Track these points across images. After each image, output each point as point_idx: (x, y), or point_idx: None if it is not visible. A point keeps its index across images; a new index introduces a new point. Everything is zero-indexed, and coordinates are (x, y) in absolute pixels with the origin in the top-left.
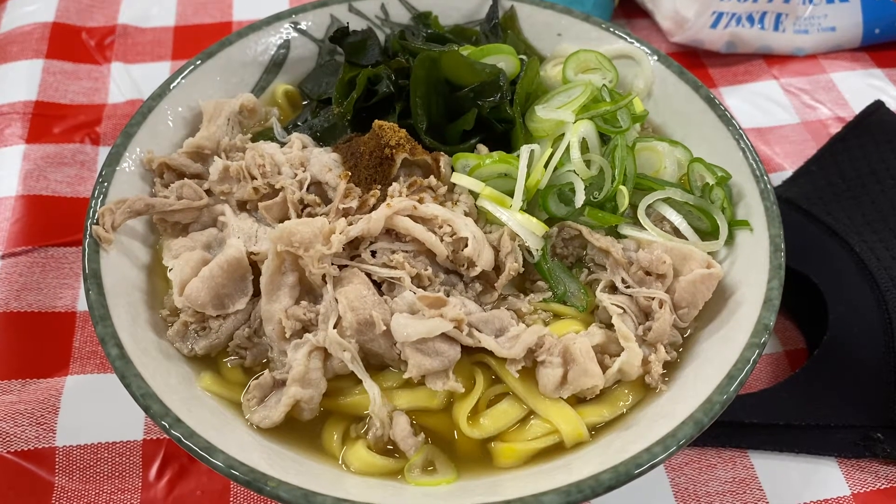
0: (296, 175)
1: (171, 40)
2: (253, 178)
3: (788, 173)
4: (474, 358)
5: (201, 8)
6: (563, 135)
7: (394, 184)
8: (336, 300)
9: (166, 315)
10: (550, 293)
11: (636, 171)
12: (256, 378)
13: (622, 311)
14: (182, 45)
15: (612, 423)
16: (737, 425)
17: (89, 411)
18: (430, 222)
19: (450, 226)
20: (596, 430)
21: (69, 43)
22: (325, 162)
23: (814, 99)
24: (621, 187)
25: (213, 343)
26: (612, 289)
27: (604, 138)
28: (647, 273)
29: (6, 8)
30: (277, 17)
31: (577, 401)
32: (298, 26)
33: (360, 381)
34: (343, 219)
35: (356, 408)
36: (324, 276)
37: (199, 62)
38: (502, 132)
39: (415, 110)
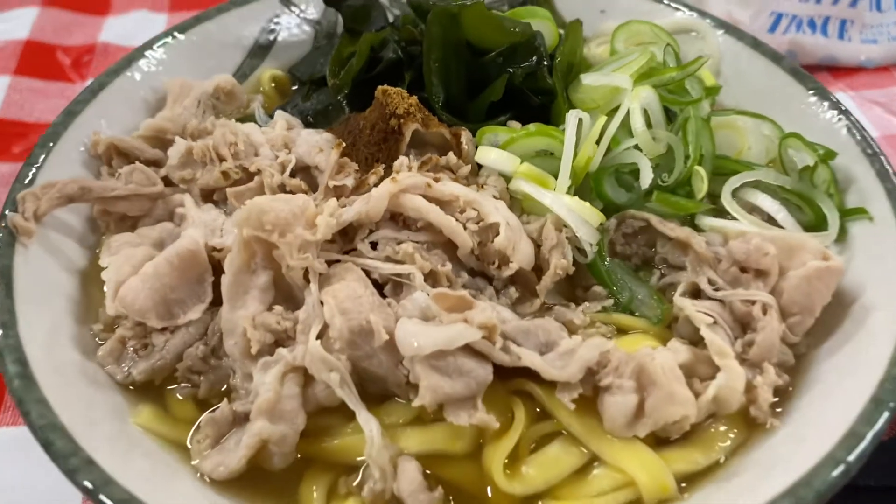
0: (277, 157)
1: None
2: (222, 159)
3: None
4: (512, 385)
5: None
6: (618, 108)
7: (401, 157)
8: (322, 304)
9: (99, 331)
10: (611, 301)
11: (714, 150)
12: (212, 412)
13: (712, 320)
14: None
15: (708, 473)
16: (847, 488)
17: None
18: (449, 205)
19: (475, 209)
20: (687, 482)
21: (41, 60)
22: (314, 142)
23: (889, 112)
24: (697, 168)
25: (155, 365)
26: (696, 293)
27: (669, 116)
28: (743, 269)
29: None
30: None
31: (657, 442)
32: (291, 4)
33: (352, 416)
34: (334, 199)
35: (347, 453)
36: (306, 273)
37: (168, 38)
38: (539, 106)
39: (428, 79)
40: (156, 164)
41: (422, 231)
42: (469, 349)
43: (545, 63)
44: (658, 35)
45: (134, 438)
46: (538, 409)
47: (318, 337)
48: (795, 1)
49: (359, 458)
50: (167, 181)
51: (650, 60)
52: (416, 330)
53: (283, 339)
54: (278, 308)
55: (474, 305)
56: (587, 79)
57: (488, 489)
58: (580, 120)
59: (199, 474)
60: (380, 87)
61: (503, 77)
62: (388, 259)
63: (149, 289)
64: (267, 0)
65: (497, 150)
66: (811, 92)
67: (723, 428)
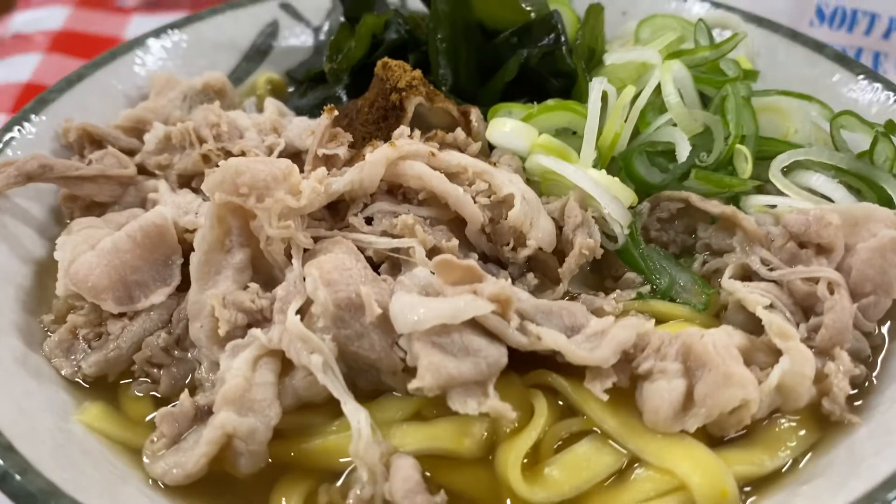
0: (264, 141)
1: None
2: (202, 141)
3: None
4: (532, 377)
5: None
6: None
7: (402, 127)
8: (305, 280)
9: (50, 322)
10: (647, 287)
11: (757, 130)
12: (172, 406)
13: (769, 302)
14: None
15: (776, 477)
16: None
17: None
18: (456, 177)
19: (486, 182)
20: (752, 487)
21: None
22: (306, 126)
23: None
24: (740, 147)
25: (109, 356)
26: (747, 277)
27: (703, 101)
28: (802, 245)
29: None
30: None
31: (711, 442)
32: (290, 9)
33: (337, 412)
34: (323, 168)
35: (330, 454)
36: (288, 247)
37: (157, 36)
38: (558, 90)
39: (435, 60)
40: (131, 153)
41: (424, 205)
42: (478, 326)
43: (563, 42)
44: (686, 28)
45: (74, 436)
46: (560, 402)
47: (300, 314)
48: (826, 28)
49: (343, 460)
50: (142, 170)
51: (680, 39)
52: (414, 302)
53: (257, 322)
54: (254, 286)
55: (485, 278)
56: (611, 58)
57: (507, 502)
58: (605, 92)
59: (150, 480)
60: (380, 61)
61: (517, 55)
62: (384, 234)
63: (105, 265)
64: (265, 3)
65: (512, 121)
66: (860, 77)
67: (790, 425)
